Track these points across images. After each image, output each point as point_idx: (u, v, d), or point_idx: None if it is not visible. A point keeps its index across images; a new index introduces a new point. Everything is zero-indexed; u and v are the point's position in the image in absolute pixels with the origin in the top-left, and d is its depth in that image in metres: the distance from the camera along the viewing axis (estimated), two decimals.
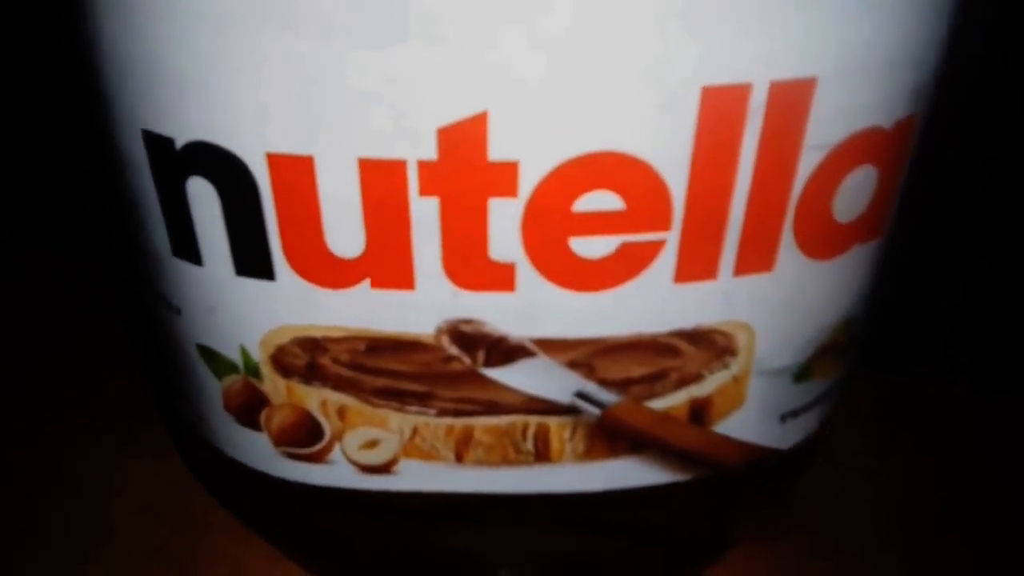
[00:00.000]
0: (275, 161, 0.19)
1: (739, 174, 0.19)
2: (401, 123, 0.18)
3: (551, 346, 0.21)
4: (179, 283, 0.23)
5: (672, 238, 0.20)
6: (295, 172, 0.19)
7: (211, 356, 0.23)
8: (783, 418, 0.25)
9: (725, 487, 0.25)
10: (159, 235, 0.22)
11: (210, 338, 0.23)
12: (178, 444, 0.34)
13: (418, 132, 0.18)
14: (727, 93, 0.18)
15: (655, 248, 0.20)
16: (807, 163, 0.19)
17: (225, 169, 0.19)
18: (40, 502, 0.32)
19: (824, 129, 0.19)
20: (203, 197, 0.20)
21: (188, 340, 0.23)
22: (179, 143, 0.19)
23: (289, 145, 0.18)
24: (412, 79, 0.17)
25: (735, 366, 0.22)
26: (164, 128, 0.19)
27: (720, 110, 0.18)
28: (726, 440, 0.24)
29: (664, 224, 0.19)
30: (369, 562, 0.28)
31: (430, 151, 0.18)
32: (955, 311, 0.40)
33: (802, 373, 0.24)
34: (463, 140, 0.18)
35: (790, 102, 0.18)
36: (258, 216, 0.20)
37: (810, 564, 0.30)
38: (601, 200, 0.19)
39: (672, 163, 0.19)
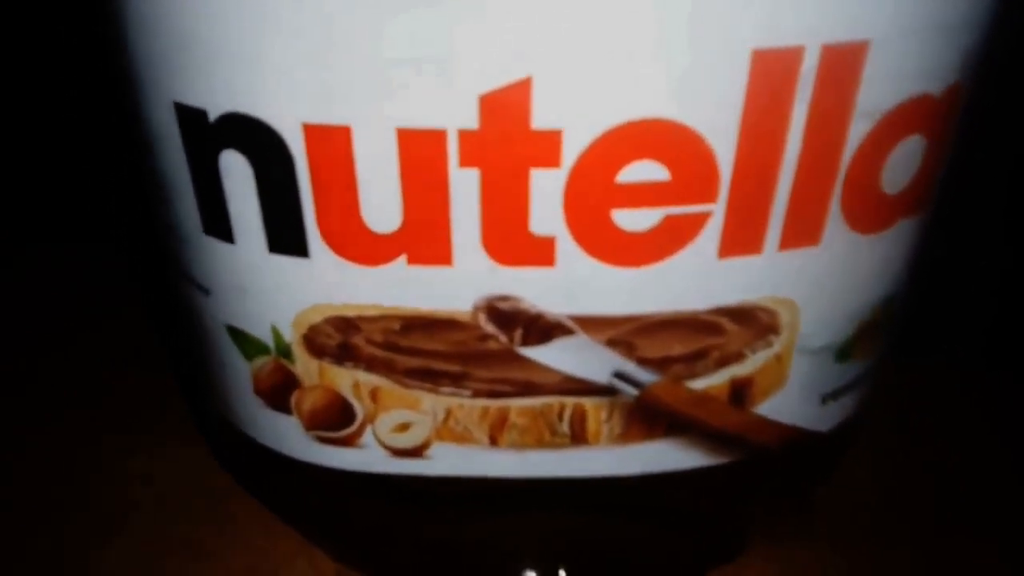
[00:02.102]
0: (311, 132, 0.18)
1: (788, 142, 0.19)
2: (441, 90, 0.17)
3: (590, 323, 0.21)
4: (209, 262, 0.22)
5: (718, 210, 0.19)
6: (331, 143, 0.18)
7: (241, 338, 0.23)
8: (823, 399, 0.24)
9: (763, 471, 0.25)
10: (189, 213, 0.22)
11: (240, 319, 0.23)
12: (204, 432, 0.34)
13: (459, 99, 0.18)
14: (778, 57, 0.17)
15: (700, 220, 0.19)
16: (857, 131, 0.19)
17: (260, 141, 0.19)
18: (63, 490, 0.32)
19: (875, 95, 0.19)
20: (236, 171, 0.20)
21: (217, 322, 0.23)
22: (212, 115, 0.19)
23: (325, 115, 0.18)
24: (452, 44, 0.17)
25: (778, 344, 0.22)
26: (197, 100, 0.19)
27: (770, 75, 0.18)
28: (766, 422, 0.23)
29: (710, 195, 0.19)
30: (400, 549, 0.27)
31: (471, 120, 0.18)
32: (986, 299, 0.39)
33: (844, 352, 0.24)
34: (506, 108, 0.18)
35: (842, 66, 0.18)
36: (293, 190, 0.19)
37: (824, 565, 0.29)
38: (646, 170, 0.19)
39: (720, 131, 0.18)
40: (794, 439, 0.24)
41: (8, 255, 0.48)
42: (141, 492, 0.32)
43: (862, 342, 0.24)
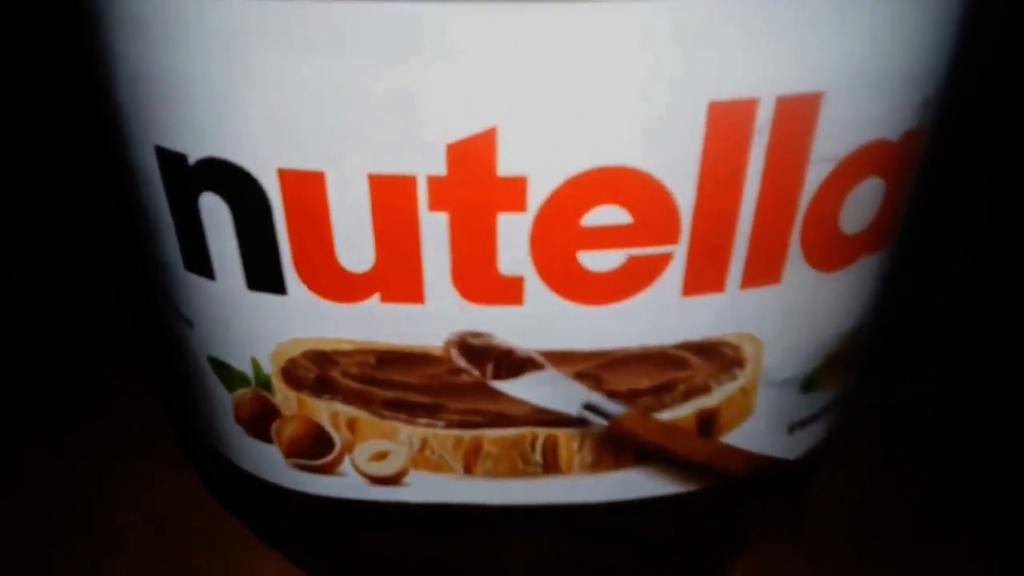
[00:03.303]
0: (286, 177, 0.19)
1: (746, 188, 0.19)
2: (411, 139, 0.18)
3: (559, 358, 0.21)
4: (192, 297, 0.22)
5: (680, 251, 0.20)
6: (306, 188, 0.19)
7: (223, 368, 0.23)
8: (791, 428, 0.24)
9: (732, 497, 0.25)
10: (172, 249, 0.22)
11: (222, 351, 0.23)
12: (190, 456, 0.34)
13: (428, 148, 0.18)
14: (734, 108, 0.18)
15: (663, 261, 0.20)
16: (814, 176, 0.19)
17: (237, 185, 0.19)
18: (52, 513, 0.31)
19: (831, 143, 0.19)
20: (215, 212, 0.20)
21: (200, 352, 0.23)
22: (192, 159, 0.19)
23: (300, 161, 0.18)
24: (422, 95, 0.17)
25: (743, 377, 0.22)
26: (177, 144, 0.19)
27: (727, 125, 0.18)
28: (734, 451, 0.24)
29: (672, 238, 0.19)
30: (379, 573, 0.28)
31: (439, 166, 0.18)
32: (958, 320, 0.40)
33: (809, 383, 0.24)
34: (472, 156, 0.18)
35: (797, 116, 0.18)
36: (270, 231, 0.20)
37: (817, 572, 0.29)
38: (609, 214, 0.19)
39: (680, 177, 0.18)
40: (762, 467, 0.24)
41: (15, 263, 0.48)
42: (133, 516, 0.32)
43: (828, 373, 0.24)
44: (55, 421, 0.37)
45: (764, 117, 0.18)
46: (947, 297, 0.38)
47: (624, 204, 0.19)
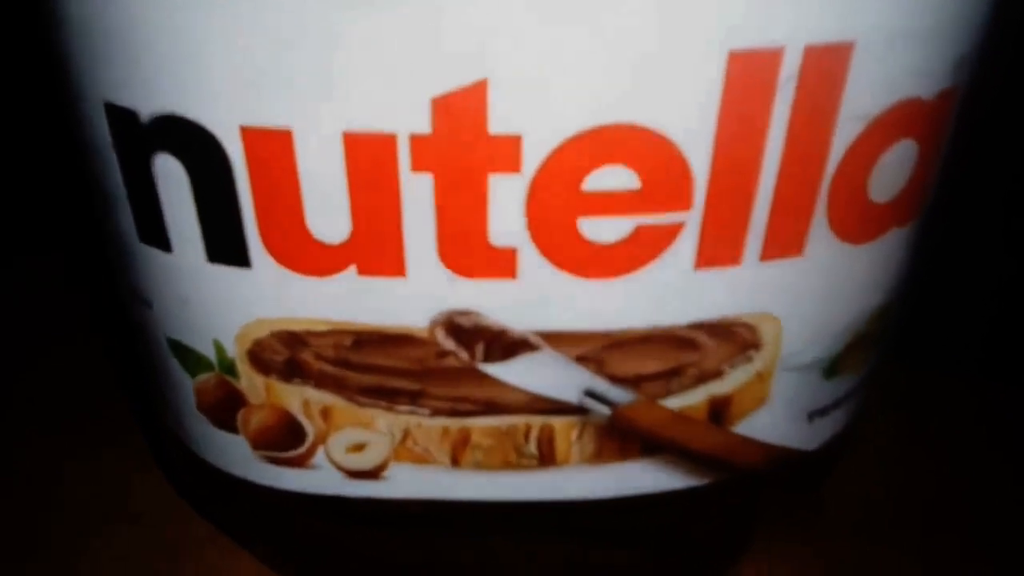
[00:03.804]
0: (250, 135, 0.17)
1: (768, 148, 0.17)
2: (390, 92, 0.16)
3: (557, 339, 0.20)
4: (149, 273, 0.21)
5: (693, 219, 0.18)
6: (272, 147, 0.17)
7: (183, 352, 0.22)
8: (810, 417, 0.23)
9: (744, 492, 0.24)
10: (126, 220, 0.20)
11: (182, 332, 0.21)
12: (153, 449, 0.33)
13: (409, 102, 0.16)
14: (757, 58, 0.16)
15: (674, 231, 0.18)
16: (843, 136, 0.18)
17: (194, 145, 0.18)
18: (27, 512, 0.31)
19: (862, 99, 0.17)
20: (171, 176, 0.18)
21: (159, 335, 0.22)
22: (144, 116, 0.18)
23: (265, 117, 0.17)
24: (403, 42, 0.16)
25: (759, 361, 0.21)
26: (127, 99, 0.18)
27: (749, 77, 0.16)
28: (747, 441, 0.22)
29: (684, 204, 0.18)
30: (359, 574, 0.26)
31: (423, 123, 0.17)
32: (985, 309, 0.38)
33: (832, 368, 0.22)
34: (460, 111, 0.16)
35: (826, 69, 0.17)
36: (231, 197, 0.18)
37: (834, 566, 0.28)
38: (614, 177, 0.17)
39: (694, 136, 0.17)
40: (778, 459, 0.23)
41: None
42: (108, 514, 0.31)
43: (852, 356, 0.23)
44: (30, 421, 0.36)
45: (790, 69, 0.16)
46: (974, 284, 0.36)
47: (631, 165, 0.17)
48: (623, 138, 0.17)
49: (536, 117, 0.17)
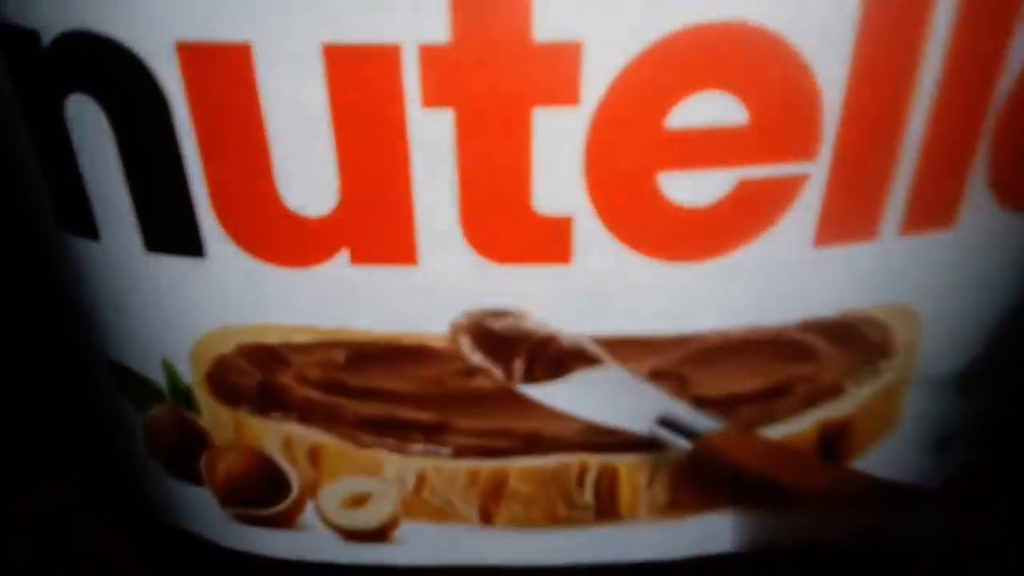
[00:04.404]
0: (191, 56, 0.14)
1: (924, 66, 0.14)
2: None
3: (624, 348, 0.17)
4: (73, 270, 0.18)
5: (818, 172, 0.15)
6: (224, 73, 0.14)
7: (125, 377, 0.19)
8: (939, 445, 0.20)
9: (855, 545, 0.21)
10: (37, 197, 0.17)
11: (121, 351, 0.18)
12: (106, 505, 0.29)
13: None
14: None
15: (792, 188, 0.15)
16: (1020, 55, 0.14)
17: (115, 74, 0.14)
18: None
19: None
20: (89, 126, 0.15)
21: (95, 356, 0.19)
22: (47, 37, 0.15)
23: (212, 28, 0.14)
24: None
25: (889, 372, 0.18)
26: (24, 16, 0.15)
27: None
28: (867, 480, 0.19)
29: (809, 147, 0.14)
30: None
31: (438, 28, 0.13)
32: None
33: (970, 379, 0.19)
34: (489, 7, 0.13)
35: None
36: (171, 152, 0.15)
37: None
38: (712, 108, 0.14)
39: (827, 40, 0.14)
40: (900, 500, 0.20)
41: None
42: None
43: (989, 367, 0.19)
44: None
45: None
46: None
47: (736, 90, 0.14)
48: (726, 45, 0.14)
49: (602, 14, 0.13)
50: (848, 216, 0.16)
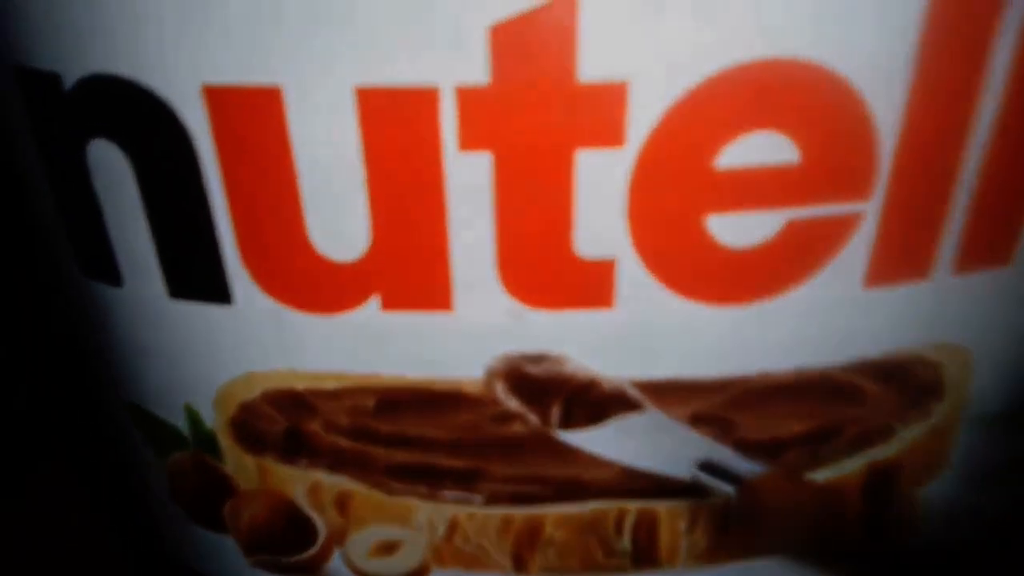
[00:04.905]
0: (219, 99, 0.13)
1: (983, 100, 0.14)
2: (426, 20, 0.12)
3: (667, 392, 0.16)
4: (96, 317, 0.17)
5: (871, 211, 0.14)
6: (253, 116, 0.14)
7: (147, 422, 0.18)
8: (990, 484, 0.19)
9: None
10: (61, 245, 0.17)
11: (144, 395, 0.18)
12: (128, 555, 0.28)
13: (457, 34, 0.13)
14: None
15: (844, 228, 0.14)
16: None
17: (139, 119, 0.14)
18: None
19: None
20: (111, 171, 0.15)
21: (117, 401, 0.19)
22: (69, 80, 0.14)
23: (240, 71, 0.13)
24: None
25: (939, 412, 0.17)
26: (46, 60, 0.14)
27: None
28: (912, 522, 0.19)
29: (862, 186, 0.14)
30: None
31: (477, 69, 0.13)
32: None
33: (1018, 421, 0.18)
34: (533, 47, 0.13)
35: None
36: (197, 197, 0.14)
37: None
38: (762, 147, 0.13)
39: (882, 75, 0.13)
40: (949, 542, 0.19)
41: None
42: None
43: None
44: None
45: None
46: None
47: (787, 127, 0.13)
48: (777, 83, 0.13)
49: (649, 53, 0.13)
50: (900, 256, 0.15)
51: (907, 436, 0.18)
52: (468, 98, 0.13)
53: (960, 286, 0.16)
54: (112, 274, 0.16)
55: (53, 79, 0.14)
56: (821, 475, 0.18)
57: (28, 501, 0.30)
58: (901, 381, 0.17)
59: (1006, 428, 0.18)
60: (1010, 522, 0.21)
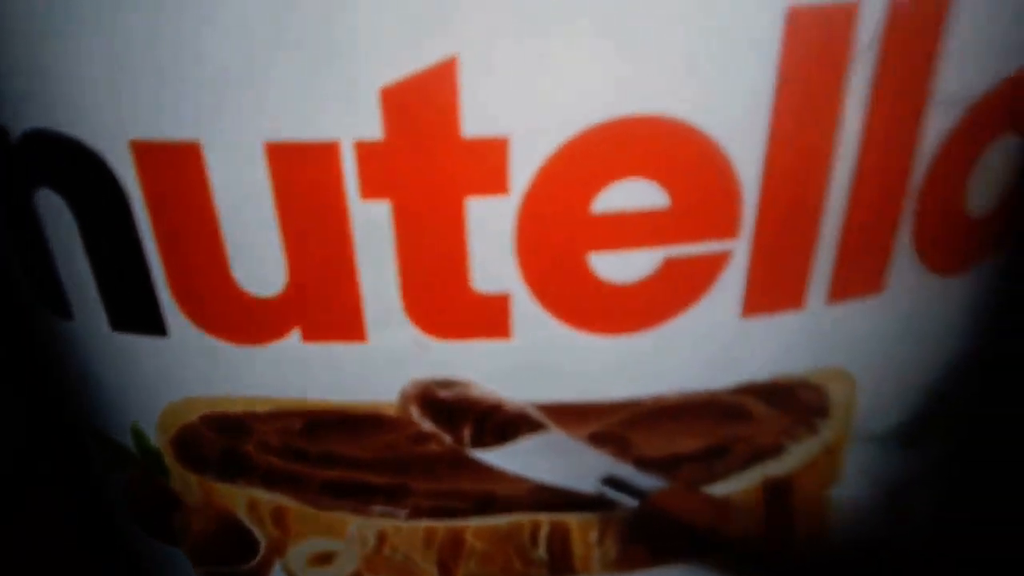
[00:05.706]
0: (145, 153, 0.14)
1: (841, 144, 0.14)
2: (326, 81, 0.13)
3: (567, 414, 0.17)
4: (56, 346, 0.18)
5: (740, 248, 0.15)
6: (176, 168, 0.14)
7: (103, 442, 0.19)
8: (890, 498, 0.20)
9: None
10: (24, 282, 0.18)
11: (98, 417, 0.19)
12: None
13: (353, 94, 0.13)
14: (824, 16, 0.13)
15: (716, 264, 0.15)
16: (936, 126, 0.15)
17: (76, 170, 0.15)
18: None
19: (960, 74, 0.14)
20: (56, 218, 0.16)
21: (81, 423, 0.20)
22: (13, 134, 0.15)
23: (162, 127, 0.14)
24: (340, 15, 0.13)
25: (827, 430, 0.18)
26: None
27: (814, 43, 0.13)
28: (815, 533, 0.19)
29: (729, 227, 0.15)
30: None
31: (372, 125, 0.14)
32: None
33: (914, 435, 0.19)
34: (422, 104, 0.13)
35: (915, 32, 0.14)
36: (130, 240, 0.15)
37: None
38: (634, 193, 0.14)
39: (742, 132, 0.14)
40: (853, 553, 0.20)
41: None
42: None
43: (938, 420, 0.19)
44: None
45: (869, 31, 0.14)
46: None
47: (657, 176, 0.14)
48: (645, 136, 0.14)
49: (527, 110, 0.14)
50: (773, 287, 0.16)
51: (799, 452, 0.18)
52: (365, 152, 0.14)
53: (836, 313, 0.16)
54: (64, 309, 0.17)
55: (2, 132, 0.15)
56: (720, 489, 0.18)
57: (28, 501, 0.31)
58: (786, 402, 0.17)
59: (889, 445, 0.19)
60: (913, 536, 0.21)
